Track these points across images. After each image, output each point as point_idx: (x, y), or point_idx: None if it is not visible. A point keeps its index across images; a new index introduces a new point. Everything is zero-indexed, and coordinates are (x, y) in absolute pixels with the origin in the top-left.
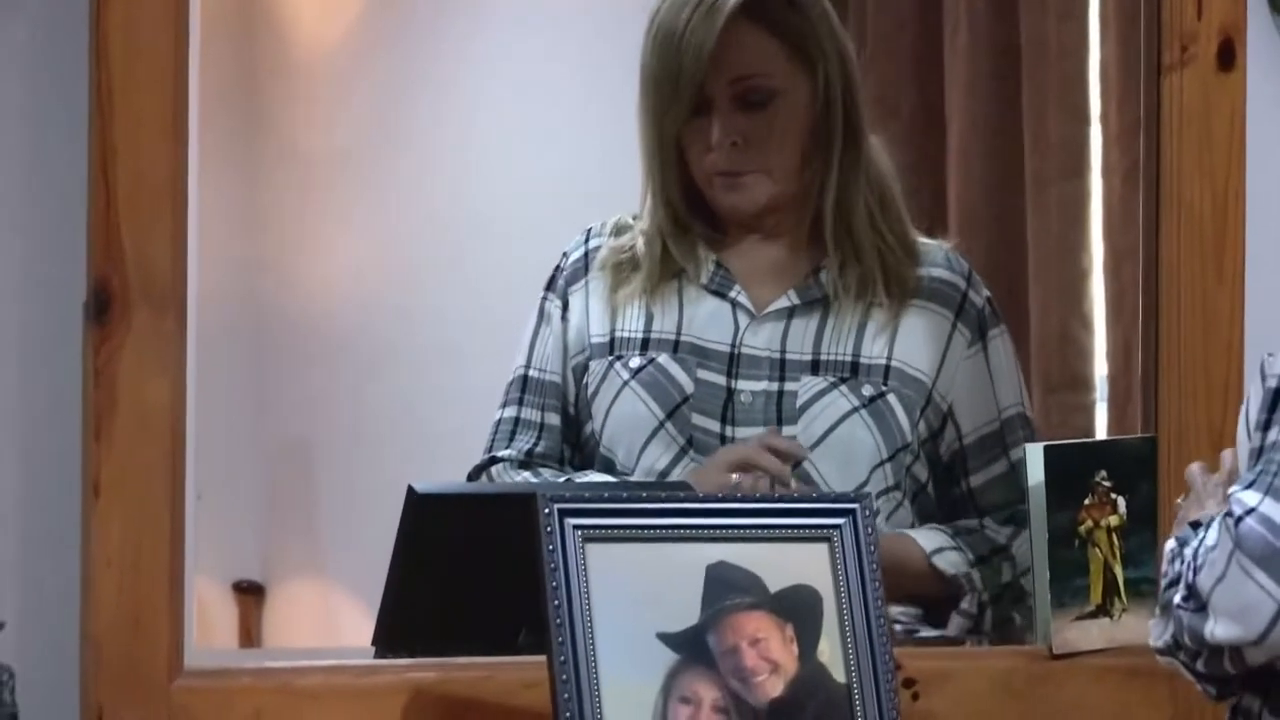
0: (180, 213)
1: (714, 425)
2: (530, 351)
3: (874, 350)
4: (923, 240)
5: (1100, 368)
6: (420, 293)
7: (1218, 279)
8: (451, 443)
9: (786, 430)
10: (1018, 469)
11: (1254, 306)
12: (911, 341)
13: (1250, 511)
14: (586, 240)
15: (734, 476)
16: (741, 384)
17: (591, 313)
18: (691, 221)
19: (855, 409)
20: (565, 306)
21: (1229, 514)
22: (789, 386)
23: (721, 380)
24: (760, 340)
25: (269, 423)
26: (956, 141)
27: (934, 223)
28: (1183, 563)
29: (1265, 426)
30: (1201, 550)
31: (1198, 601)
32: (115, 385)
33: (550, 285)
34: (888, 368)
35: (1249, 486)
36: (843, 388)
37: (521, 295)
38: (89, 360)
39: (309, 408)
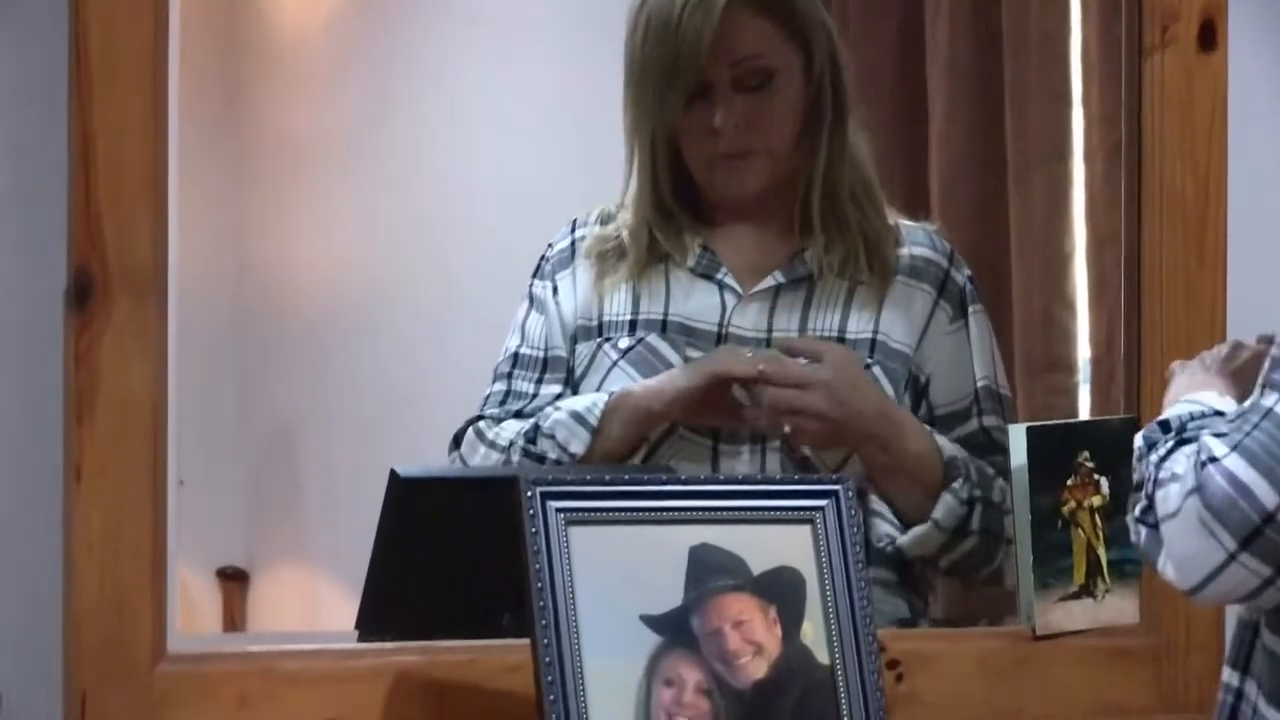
0: (161, 200)
1: None
2: (522, 333)
3: (859, 325)
4: (905, 222)
5: (1083, 350)
6: (403, 279)
7: (1199, 260)
8: (435, 428)
9: None
10: (988, 433)
11: (1236, 287)
12: (895, 316)
13: (1214, 460)
14: (573, 230)
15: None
16: None
17: (579, 297)
18: (678, 209)
19: None
20: (555, 290)
21: (1198, 453)
22: None
23: None
24: (748, 320)
25: (252, 410)
26: (938, 125)
27: (916, 206)
28: (1146, 469)
29: (1260, 387)
30: (1165, 467)
31: (1154, 517)
32: (97, 371)
33: (538, 272)
34: (873, 341)
35: (1220, 436)
36: None
37: (505, 281)
38: (70, 346)
39: (292, 394)
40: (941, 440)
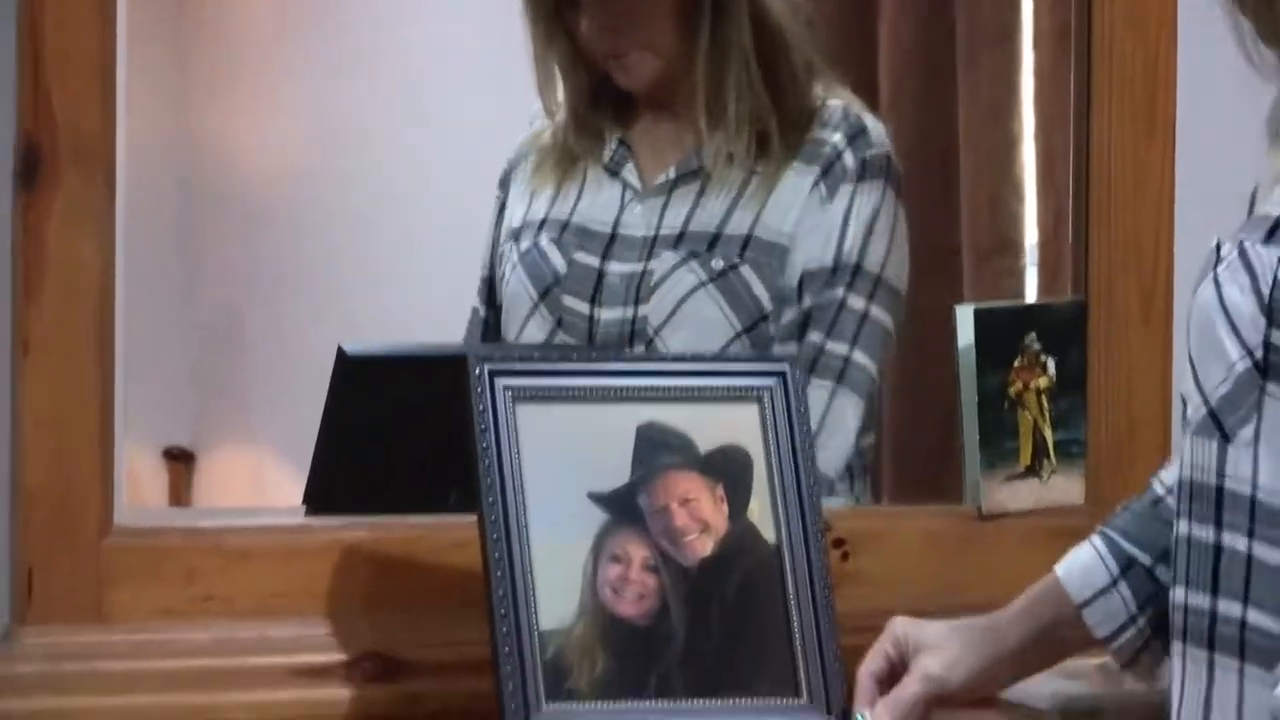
0: (110, 74)
1: (583, 306)
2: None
3: (740, 220)
4: (832, 102)
5: (1031, 235)
6: (352, 162)
7: (1149, 136)
8: (382, 311)
9: (640, 310)
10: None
11: (1185, 164)
12: (778, 206)
13: None
14: (531, 126)
15: None
16: (613, 265)
17: (515, 200)
18: (600, 105)
19: (701, 284)
20: (505, 200)
21: None
22: (651, 265)
23: (595, 262)
24: (637, 218)
25: (199, 290)
26: (887, 8)
27: (862, 90)
28: None
29: None
30: None
31: None
32: (45, 246)
33: (502, 178)
34: (748, 238)
35: None
36: (693, 263)
37: (455, 167)
38: (18, 221)
39: (239, 275)
40: None
